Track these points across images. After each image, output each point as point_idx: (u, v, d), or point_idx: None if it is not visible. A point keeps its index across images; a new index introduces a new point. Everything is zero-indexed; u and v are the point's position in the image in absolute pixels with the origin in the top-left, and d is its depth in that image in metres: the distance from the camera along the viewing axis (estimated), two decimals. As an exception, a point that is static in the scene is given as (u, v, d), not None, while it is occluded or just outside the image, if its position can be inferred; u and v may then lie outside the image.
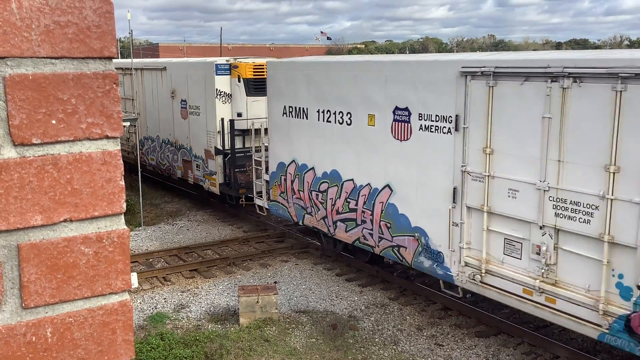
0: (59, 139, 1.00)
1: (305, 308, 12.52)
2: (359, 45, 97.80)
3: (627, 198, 8.13)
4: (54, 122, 0.99)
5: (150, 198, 21.40)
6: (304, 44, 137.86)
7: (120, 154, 1.06)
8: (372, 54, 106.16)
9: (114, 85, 1.03)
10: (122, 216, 1.07)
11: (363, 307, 12.53)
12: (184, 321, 11.97)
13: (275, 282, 13.69)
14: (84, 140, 1.02)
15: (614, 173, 8.22)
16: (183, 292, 13.44)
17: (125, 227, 1.08)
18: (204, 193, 20.15)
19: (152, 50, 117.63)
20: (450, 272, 10.86)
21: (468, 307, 12.07)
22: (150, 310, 12.49)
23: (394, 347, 10.91)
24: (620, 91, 8.04)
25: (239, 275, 14.44)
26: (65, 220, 1.02)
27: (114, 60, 1.04)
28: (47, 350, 1.02)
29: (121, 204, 1.06)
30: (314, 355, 10.53)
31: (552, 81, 8.83)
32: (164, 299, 13.06)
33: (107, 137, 1.04)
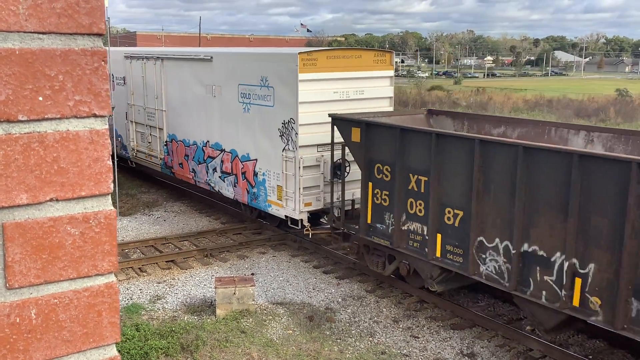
0: (45, 117, 0.97)
1: (283, 300, 12.53)
2: (339, 38, 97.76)
3: None
4: (40, 98, 0.96)
5: (126, 188, 21.18)
6: (284, 35, 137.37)
7: (108, 133, 1.04)
8: (351, 46, 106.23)
9: (102, 62, 1.01)
10: (109, 197, 1.06)
11: (340, 299, 12.57)
12: (159, 312, 11.90)
13: (252, 274, 13.67)
14: (71, 118, 1.00)
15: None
16: (159, 283, 13.34)
17: (112, 207, 1.06)
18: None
19: (129, 38, 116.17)
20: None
21: (444, 300, 12.19)
22: (125, 301, 12.39)
23: (370, 338, 10.98)
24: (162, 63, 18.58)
25: (216, 266, 14.39)
26: (51, 200, 1.00)
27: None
28: (31, 331, 1.00)
29: (108, 184, 1.05)
30: (290, 347, 10.54)
31: (155, 60, 19.12)
32: (140, 289, 12.96)
33: (95, 116, 1.02)
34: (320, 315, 11.80)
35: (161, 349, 10.09)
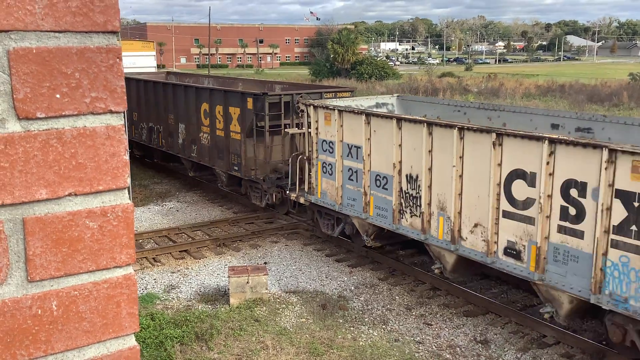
0: (63, 113, 1.00)
1: (295, 288, 12.59)
2: (348, 26, 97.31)
3: None
4: (58, 96, 0.99)
5: (139, 179, 21.32)
6: (294, 24, 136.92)
7: (124, 129, 1.06)
8: (361, 34, 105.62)
9: (117, 59, 1.03)
10: (126, 191, 1.08)
11: (352, 288, 12.62)
12: (174, 302, 12.01)
13: (265, 263, 13.75)
14: (88, 114, 1.02)
15: None
16: (173, 272, 13.46)
17: (130, 201, 1.08)
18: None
19: (139, 29, 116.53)
20: None
21: (456, 287, 12.20)
22: (140, 291, 12.51)
23: (383, 326, 11.03)
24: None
25: (229, 256, 14.48)
26: (69, 195, 1.02)
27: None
28: (52, 323, 1.03)
29: (125, 178, 1.07)
30: (304, 335, 10.62)
31: None
32: (154, 279, 13.08)
33: (111, 112, 1.04)
34: (333, 303, 11.86)
35: (176, 337, 10.19)
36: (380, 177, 12.76)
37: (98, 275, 1.07)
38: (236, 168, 17.18)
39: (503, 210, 10.31)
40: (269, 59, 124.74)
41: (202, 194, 19.88)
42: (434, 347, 10.36)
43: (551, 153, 9.47)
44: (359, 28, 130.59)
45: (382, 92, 43.64)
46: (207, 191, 20.05)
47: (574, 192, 9.28)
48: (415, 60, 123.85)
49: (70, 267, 1.04)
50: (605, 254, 8.87)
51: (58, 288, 1.03)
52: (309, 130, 14.41)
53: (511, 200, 10.19)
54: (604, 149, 8.77)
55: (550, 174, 9.53)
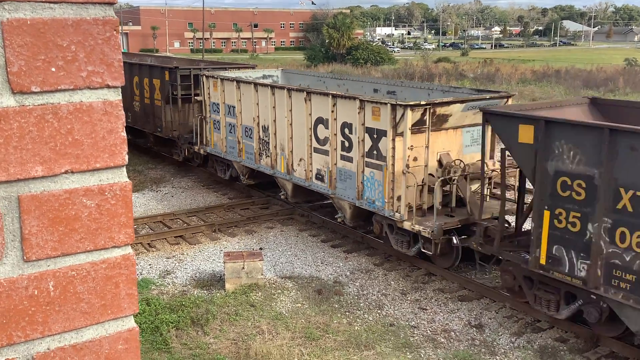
0: (58, 88, 0.96)
1: (291, 274, 12.61)
2: (344, 11, 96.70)
3: None
4: (53, 69, 0.95)
5: (133, 164, 21.24)
6: (289, 8, 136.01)
7: (122, 104, 1.03)
8: (357, 19, 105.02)
9: (114, 32, 0.99)
10: (124, 168, 1.05)
11: (348, 273, 12.65)
12: (169, 287, 12.01)
13: (260, 249, 13.75)
14: (85, 89, 0.99)
15: None
16: (168, 258, 13.45)
17: (128, 179, 1.05)
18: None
19: (132, 13, 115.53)
20: None
21: (451, 273, 12.24)
22: (135, 276, 12.50)
23: (379, 311, 11.07)
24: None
25: (224, 241, 14.47)
26: (66, 172, 0.99)
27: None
28: (49, 303, 1.01)
29: (123, 155, 1.04)
30: (299, 320, 10.65)
31: None
32: (149, 265, 13.07)
33: (108, 87, 1.01)
34: (329, 288, 11.89)
35: (172, 322, 10.20)
36: (248, 129, 16.56)
37: (96, 255, 1.04)
38: (159, 129, 20.85)
39: (313, 147, 14.21)
40: (263, 43, 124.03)
41: (196, 180, 19.83)
42: (428, 331, 10.41)
43: (334, 104, 13.36)
44: (355, 12, 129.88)
45: (378, 77, 43.46)
46: (201, 177, 19.99)
47: (347, 130, 13.18)
48: (411, 45, 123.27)
49: (68, 246, 1.01)
50: (363, 171, 12.82)
51: (55, 268, 1.01)
52: (204, 96, 18.17)
53: (317, 139, 14.09)
54: (356, 99, 12.76)
55: (335, 119, 13.44)
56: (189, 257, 13.48)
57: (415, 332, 10.38)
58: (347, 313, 10.96)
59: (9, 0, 0.90)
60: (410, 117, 11.64)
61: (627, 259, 8.53)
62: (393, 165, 11.96)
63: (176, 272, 12.70)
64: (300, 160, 14.70)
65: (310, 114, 14.05)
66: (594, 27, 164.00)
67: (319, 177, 14.14)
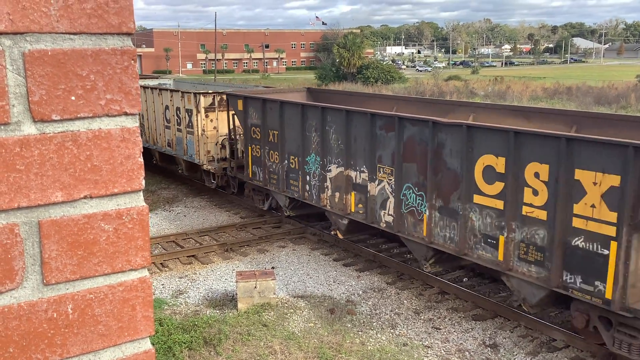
0: (78, 116, 0.99)
1: (303, 293, 12.57)
2: (354, 30, 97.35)
3: None
4: (73, 98, 0.98)
5: (147, 184, 21.33)
6: (300, 29, 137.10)
7: (139, 131, 1.06)
8: (367, 38, 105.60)
9: (132, 61, 1.03)
10: (141, 193, 1.08)
11: (361, 292, 12.59)
12: (182, 307, 12.01)
13: (273, 268, 13.74)
14: (103, 116, 1.02)
15: None
16: (181, 278, 13.47)
17: (144, 204, 1.08)
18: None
19: (145, 36, 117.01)
20: None
21: (465, 291, 12.15)
22: (148, 296, 12.51)
23: (392, 330, 10.99)
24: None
25: (237, 261, 14.48)
26: (85, 197, 1.02)
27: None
28: (68, 326, 1.03)
29: (140, 180, 1.06)
30: (312, 340, 10.59)
31: None
32: (162, 284, 13.09)
33: (126, 114, 1.04)
34: (342, 307, 11.84)
35: (184, 343, 10.19)
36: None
37: (113, 278, 1.06)
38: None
39: (165, 125, 21.00)
40: (275, 63, 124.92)
41: (209, 199, 19.91)
42: (442, 351, 10.31)
43: (171, 97, 20.20)
44: (365, 32, 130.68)
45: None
46: (214, 196, 20.07)
47: (177, 112, 19.77)
48: (422, 63, 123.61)
49: (86, 270, 1.03)
50: (185, 137, 20.05)
51: (74, 291, 1.03)
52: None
53: (166, 120, 20.86)
54: (179, 92, 19.90)
55: (173, 105, 20.01)
56: (202, 277, 13.49)
57: (429, 352, 10.28)
58: (360, 332, 10.90)
59: (30, 32, 0.94)
60: (203, 101, 18.57)
61: (278, 170, 16.05)
62: (197, 132, 18.92)
63: (189, 291, 12.71)
64: (160, 135, 21.79)
65: (162, 103, 21.06)
66: (604, 44, 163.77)
67: (169, 146, 21.18)
